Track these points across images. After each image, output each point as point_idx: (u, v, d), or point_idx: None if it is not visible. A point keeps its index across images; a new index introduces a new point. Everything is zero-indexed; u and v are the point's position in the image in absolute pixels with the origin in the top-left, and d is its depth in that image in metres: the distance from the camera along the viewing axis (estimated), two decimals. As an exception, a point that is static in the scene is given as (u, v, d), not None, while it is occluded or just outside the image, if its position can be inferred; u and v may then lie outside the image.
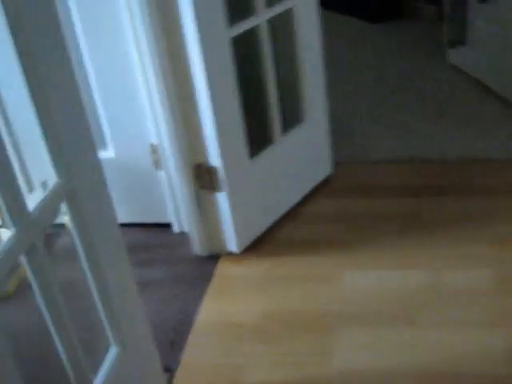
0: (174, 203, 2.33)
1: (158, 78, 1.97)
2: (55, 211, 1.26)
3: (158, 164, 2.28)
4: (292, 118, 2.36)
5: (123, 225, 2.53)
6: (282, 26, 2.23)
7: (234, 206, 2.15)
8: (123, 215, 2.44)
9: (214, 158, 2.07)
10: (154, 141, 2.22)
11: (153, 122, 2.15)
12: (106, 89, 2.18)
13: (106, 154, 2.32)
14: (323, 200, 2.50)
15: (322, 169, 2.56)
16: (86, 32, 2.10)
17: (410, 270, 2.10)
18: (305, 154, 2.43)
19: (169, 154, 2.11)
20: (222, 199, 2.14)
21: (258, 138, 2.23)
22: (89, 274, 1.33)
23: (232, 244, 2.24)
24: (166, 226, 2.44)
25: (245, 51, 2.12)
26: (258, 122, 2.25)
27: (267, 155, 2.26)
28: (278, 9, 2.14)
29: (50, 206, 1.18)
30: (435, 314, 1.92)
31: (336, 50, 2.38)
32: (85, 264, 1.33)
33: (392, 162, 2.68)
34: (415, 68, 3.49)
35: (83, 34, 2.10)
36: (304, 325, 1.96)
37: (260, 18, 2.07)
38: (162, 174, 2.29)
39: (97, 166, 1.34)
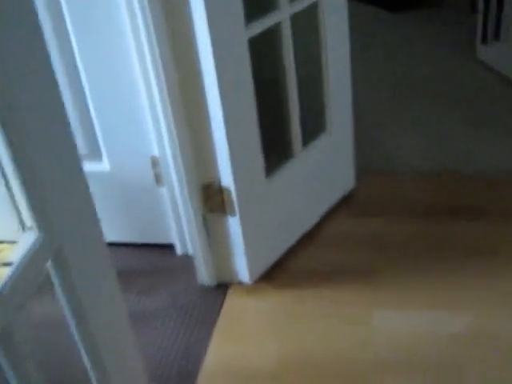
0: (177, 223, 2.04)
1: (162, 82, 1.67)
2: (37, 277, 0.97)
3: (159, 179, 1.98)
4: (313, 127, 2.06)
5: (120, 245, 2.28)
6: (305, 24, 1.93)
7: (246, 231, 1.87)
8: (120, 234, 2.17)
9: (227, 178, 1.78)
10: (156, 153, 1.93)
11: (154, 131, 1.86)
12: (100, 92, 1.88)
13: (101, 166, 2.02)
14: (345, 219, 2.21)
15: (344, 183, 2.27)
16: (78, 29, 1.79)
17: (444, 310, 1.82)
18: (326, 167, 2.14)
19: (172, 170, 1.82)
20: (234, 223, 1.85)
21: (275, 152, 1.94)
22: (80, 343, 1.06)
23: (243, 273, 1.95)
24: (169, 248, 2.15)
25: (262, 53, 1.82)
26: (277, 134, 1.96)
27: (285, 171, 1.97)
28: (303, 3, 1.83)
29: (28, 272, 0.89)
30: (482, 367, 1.65)
31: (351, 43, 2.06)
32: (74, 333, 1.05)
33: (421, 176, 2.39)
34: (441, 65, 3.18)
35: (75, 30, 1.80)
36: (326, 373, 1.69)
37: (282, 15, 1.76)
38: (163, 190, 2.00)
39: (91, 214, 1.06)
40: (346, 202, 2.27)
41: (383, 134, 2.68)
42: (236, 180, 1.77)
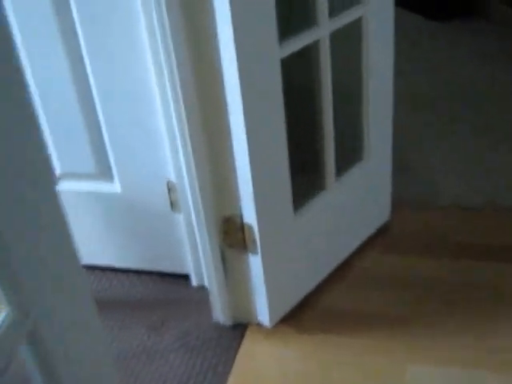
0: (193, 252, 1.86)
1: (180, 103, 1.48)
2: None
3: (175, 205, 1.80)
4: (349, 155, 1.86)
5: (130, 271, 2.11)
6: (344, 40, 1.72)
7: (268, 270, 1.67)
8: (130, 260, 1.99)
9: (249, 213, 1.58)
10: (173, 178, 1.74)
11: (171, 155, 1.67)
12: (114, 108, 1.70)
13: (112, 187, 1.84)
14: (377, 256, 2.01)
15: (379, 216, 2.06)
16: (92, 44, 1.61)
17: (484, 370, 1.61)
18: (360, 198, 1.93)
19: (190, 198, 1.63)
20: (255, 262, 1.66)
21: (305, 184, 1.74)
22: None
23: (263, 314, 1.76)
24: (183, 278, 1.97)
25: (294, 72, 1.62)
26: (308, 164, 1.76)
27: (315, 205, 1.76)
28: (344, 18, 1.62)
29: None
30: None
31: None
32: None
33: (466, 209, 2.17)
34: (490, 83, 2.94)
35: (87, 46, 1.62)
36: None
37: (321, 32, 1.56)
38: (180, 217, 1.81)
39: (82, 291, 0.87)
40: (380, 235, 2.07)
41: (421, 158, 2.46)
42: (260, 216, 1.57)
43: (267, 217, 1.60)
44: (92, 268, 2.06)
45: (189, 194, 1.62)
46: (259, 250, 1.62)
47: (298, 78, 1.66)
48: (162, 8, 1.34)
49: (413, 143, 2.55)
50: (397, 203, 2.12)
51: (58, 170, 1.88)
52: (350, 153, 1.86)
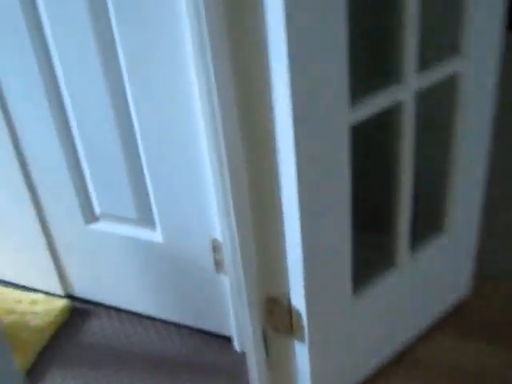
0: (237, 317, 1.64)
1: (224, 162, 1.25)
2: None
3: (220, 267, 1.59)
4: (426, 227, 1.58)
5: (169, 323, 1.91)
6: (432, 99, 1.44)
7: (315, 360, 1.43)
8: (170, 312, 1.79)
9: (298, 297, 1.34)
10: (218, 237, 1.52)
11: (218, 211, 1.45)
12: (157, 151, 1.49)
13: (153, 235, 1.65)
14: (448, 340, 1.71)
15: (454, 295, 1.77)
16: (135, 79, 1.40)
17: None
18: (436, 275, 1.65)
19: (231, 263, 1.41)
20: (301, 350, 1.42)
21: (369, 261, 1.48)
22: None
23: (307, 404, 1.52)
24: (226, 340, 1.76)
25: (365, 137, 1.36)
26: (375, 238, 1.50)
27: (380, 285, 1.50)
28: (437, 73, 1.34)
29: None
30: None
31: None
32: None
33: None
34: None
35: (130, 81, 1.41)
36: None
37: (405, 92, 1.29)
38: (224, 278, 1.60)
39: None
40: (453, 316, 1.77)
41: (507, 226, 2.13)
42: (310, 301, 1.33)
43: (319, 301, 1.35)
44: (129, 313, 1.88)
45: (232, 262, 1.40)
46: (307, 339, 1.38)
47: (372, 143, 1.39)
48: (209, 69, 1.11)
49: (503, 201, 2.22)
50: (479, 274, 1.82)
51: (97, 210, 1.70)
52: (428, 224, 1.58)
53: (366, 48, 1.50)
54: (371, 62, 1.39)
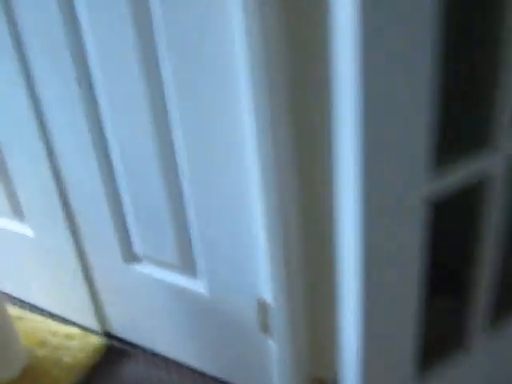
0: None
1: (280, 231, 1.08)
2: None
3: (266, 329, 1.41)
4: (503, 306, 1.36)
5: (207, 376, 1.73)
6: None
7: None
8: (208, 363, 1.64)
9: (349, 381, 1.16)
10: (266, 296, 1.36)
11: (265, 270, 1.29)
12: (202, 192, 1.33)
13: (195, 284, 1.50)
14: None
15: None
16: (184, 122, 1.25)
17: None
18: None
19: (279, 333, 1.24)
20: None
21: (434, 347, 1.27)
22: None
23: None
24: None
25: (441, 213, 1.15)
26: (442, 320, 1.29)
27: (448, 372, 1.29)
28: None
29: None
30: None
31: None
32: None
33: None
34: None
35: (182, 126, 1.26)
36: None
37: (495, 158, 1.08)
38: (271, 343, 1.43)
39: None
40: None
41: None
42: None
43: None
44: (167, 359, 1.73)
45: (279, 332, 1.23)
46: (357, 431, 1.19)
47: (448, 218, 1.19)
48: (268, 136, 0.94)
49: None
50: None
51: (137, 250, 1.56)
52: (506, 303, 1.36)
53: (448, 105, 1.29)
54: (453, 125, 1.18)
